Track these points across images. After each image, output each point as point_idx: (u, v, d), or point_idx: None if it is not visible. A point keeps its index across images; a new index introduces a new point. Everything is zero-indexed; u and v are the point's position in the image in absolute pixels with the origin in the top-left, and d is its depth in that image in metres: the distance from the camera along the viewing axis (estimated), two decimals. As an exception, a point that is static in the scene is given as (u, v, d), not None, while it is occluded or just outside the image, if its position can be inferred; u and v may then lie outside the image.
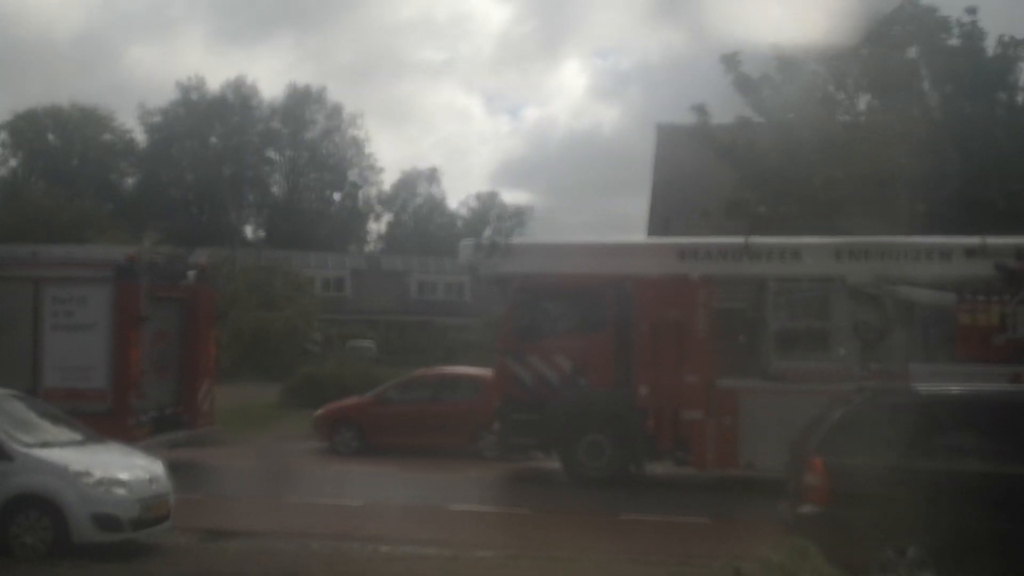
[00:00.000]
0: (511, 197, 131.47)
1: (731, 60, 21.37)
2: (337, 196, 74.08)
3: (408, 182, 79.36)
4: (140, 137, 68.01)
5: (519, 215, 78.30)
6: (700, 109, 21.76)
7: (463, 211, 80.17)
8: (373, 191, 76.94)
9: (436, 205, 79.93)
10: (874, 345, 14.07)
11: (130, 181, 68.33)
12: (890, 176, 18.84)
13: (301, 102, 70.65)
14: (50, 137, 64.76)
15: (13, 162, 64.67)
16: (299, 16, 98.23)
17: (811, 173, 19.60)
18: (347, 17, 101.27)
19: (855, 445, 8.64)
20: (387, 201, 78.71)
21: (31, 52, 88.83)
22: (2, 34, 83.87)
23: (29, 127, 63.80)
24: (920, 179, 18.69)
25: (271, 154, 71.80)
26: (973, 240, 14.41)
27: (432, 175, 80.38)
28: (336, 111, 72.04)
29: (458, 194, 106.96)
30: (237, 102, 68.89)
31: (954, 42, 20.84)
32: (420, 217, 78.66)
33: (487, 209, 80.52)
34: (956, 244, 14.49)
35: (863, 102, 21.39)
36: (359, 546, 10.52)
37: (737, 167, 21.41)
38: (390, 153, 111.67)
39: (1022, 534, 8.04)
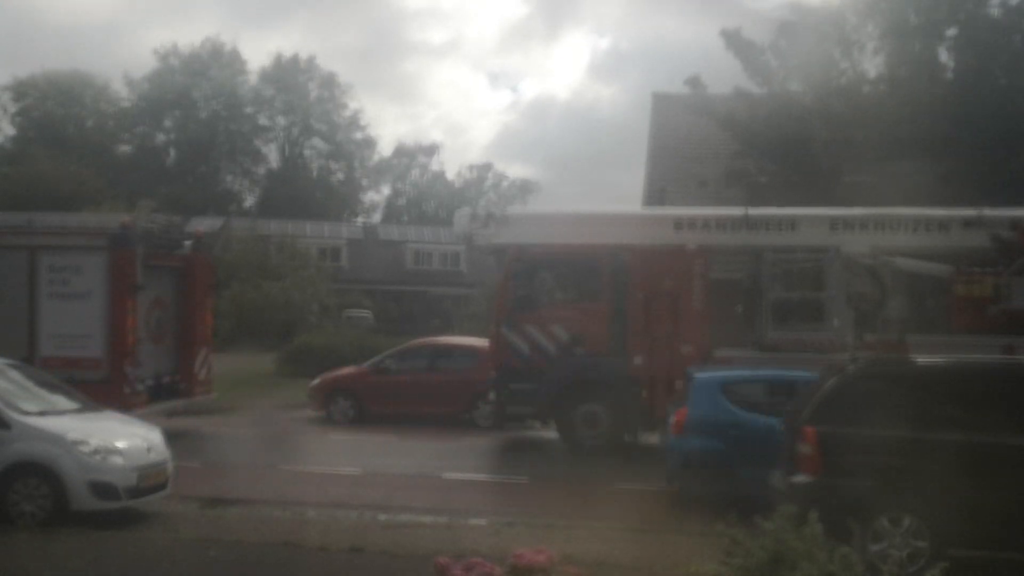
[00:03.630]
0: (511, 171, 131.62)
1: (732, 34, 21.10)
2: (334, 166, 73.54)
3: (407, 153, 78.98)
4: (131, 104, 67.28)
5: (523, 187, 77.83)
6: (695, 81, 21.57)
7: (456, 182, 79.86)
8: (369, 160, 76.55)
9: (436, 177, 79.54)
10: (869, 316, 14.11)
11: (124, 149, 67.68)
12: (894, 144, 18.70)
13: (291, 71, 69.93)
14: (49, 104, 64.11)
15: (12, 129, 64.24)
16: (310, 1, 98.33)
17: (812, 140, 19.47)
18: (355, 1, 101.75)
19: (848, 415, 8.64)
20: (384, 171, 78.28)
21: (27, 20, 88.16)
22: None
23: (29, 93, 63.21)
24: (926, 147, 18.56)
25: (264, 122, 71.10)
26: (970, 211, 14.41)
27: (432, 149, 80.00)
28: (329, 80, 71.37)
29: (459, 167, 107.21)
30: (222, 69, 68.03)
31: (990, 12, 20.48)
32: (420, 189, 78.17)
33: (481, 180, 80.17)
34: (953, 215, 14.49)
35: (874, 66, 21.15)
36: (356, 514, 10.60)
37: (736, 137, 21.28)
38: (393, 129, 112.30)
39: (1015, 503, 8.10)
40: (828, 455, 8.47)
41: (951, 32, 20.38)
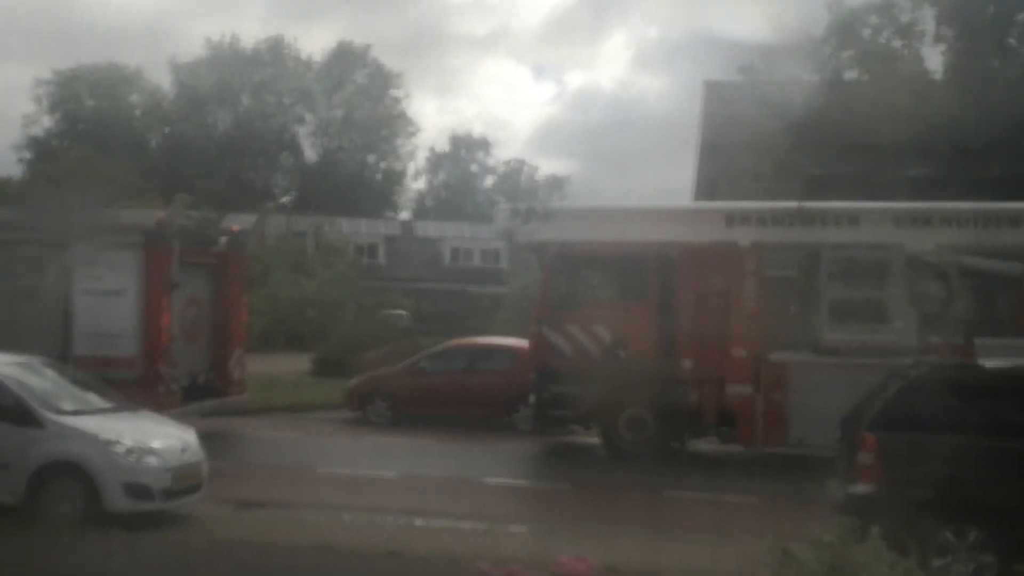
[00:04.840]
0: (554, 165, 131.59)
1: (783, 19, 20.73)
2: (371, 159, 73.25)
3: (464, 146, 78.65)
4: (171, 97, 67.61)
5: (556, 183, 77.35)
6: (748, 69, 21.05)
7: (489, 179, 79.69)
8: (410, 153, 76.26)
9: (485, 173, 79.46)
10: (934, 317, 13.54)
11: (159, 142, 68.00)
12: (965, 134, 17.96)
13: (341, 60, 69.86)
14: (84, 97, 64.79)
15: (48, 122, 64.93)
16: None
17: (874, 130, 18.79)
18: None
19: (911, 422, 8.37)
20: (431, 166, 78.18)
21: (66, 12, 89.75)
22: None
23: (65, 87, 63.99)
24: (994, 139, 17.86)
25: (305, 114, 70.97)
26: None
27: (483, 144, 79.77)
28: (377, 70, 70.87)
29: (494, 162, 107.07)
30: (271, 59, 68.21)
31: None
32: (465, 183, 77.69)
33: (516, 175, 79.78)
34: None
35: (937, 53, 20.49)
36: (392, 518, 10.41)
37: (791, 127, 20.65)
38: (435, 122, 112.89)
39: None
40: (889, 464, 8.18)
41: (1022, 17, 19.65)
